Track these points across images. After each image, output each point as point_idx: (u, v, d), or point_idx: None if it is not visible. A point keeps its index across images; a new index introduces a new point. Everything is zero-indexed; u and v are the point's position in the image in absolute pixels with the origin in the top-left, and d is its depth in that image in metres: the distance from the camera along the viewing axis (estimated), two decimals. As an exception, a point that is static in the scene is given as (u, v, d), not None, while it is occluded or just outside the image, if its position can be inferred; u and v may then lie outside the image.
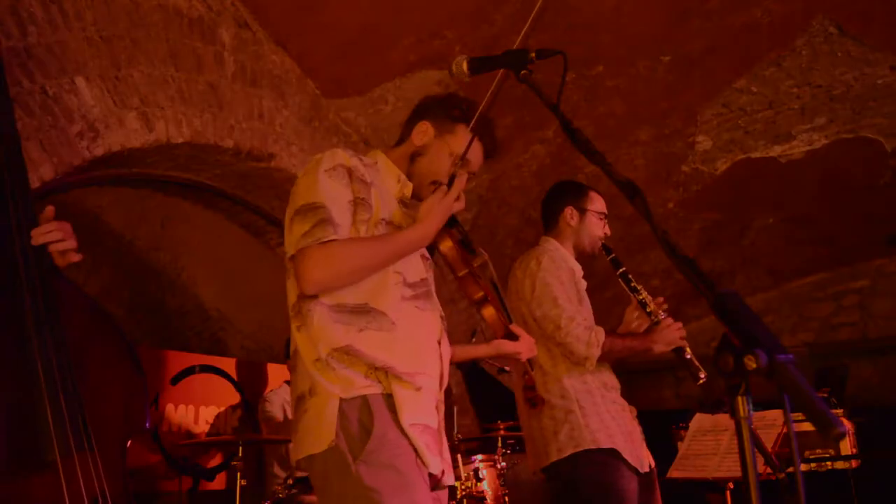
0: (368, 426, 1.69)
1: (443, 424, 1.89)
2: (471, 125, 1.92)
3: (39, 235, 1.79)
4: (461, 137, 1.96)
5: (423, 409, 1.79)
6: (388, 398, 1.74)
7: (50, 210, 1.82)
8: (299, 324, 1.80)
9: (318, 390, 1.74)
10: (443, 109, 2.00)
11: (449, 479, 1.87)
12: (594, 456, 2.57)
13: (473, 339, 2.57)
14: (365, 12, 3.85)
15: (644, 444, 2.77)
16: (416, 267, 1.91)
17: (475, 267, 2.02)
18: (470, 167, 1.97)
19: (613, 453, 2.58)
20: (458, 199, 1.84)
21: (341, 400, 1.71)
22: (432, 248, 2.00)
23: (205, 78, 3.53)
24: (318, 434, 1.71)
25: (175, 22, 3.41)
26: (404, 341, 1.79)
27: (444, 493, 1.91)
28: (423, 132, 1.99)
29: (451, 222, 2.00)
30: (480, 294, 2.02)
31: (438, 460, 1.81)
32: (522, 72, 1.58)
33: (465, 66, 1.75)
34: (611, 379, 2.79)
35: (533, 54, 1.59)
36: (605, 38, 4.27)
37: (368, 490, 1.63)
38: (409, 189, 1.98)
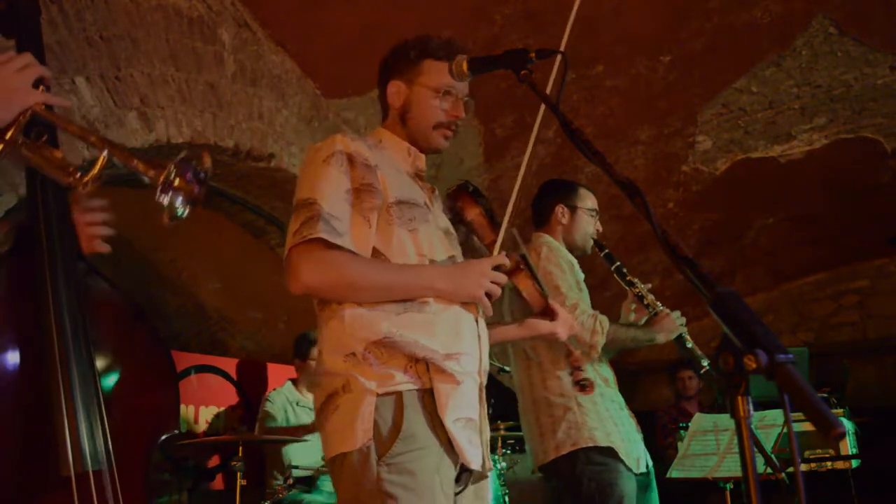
0: (399, 425, 1.62)
1: (485, 412, 1.80)
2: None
3: (83, 212, 1.63)
4: (431, 70, 1.87)
5: (465, 402, 1.72)
6: (426, 395, 1.66)
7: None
8: (329, 316, 1.72)
9: (352, 387, 1.64)
10: (401, 59, 1.91)
11: (488, 466, 1.78)
12: (592, 454, 2.56)
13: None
14: (365, 12, 3.84)
15: (642, 444, 2.76)
16: (441, 245, 1.84)
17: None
18: (456, 90, 1.87)
19: (611, 452, 2.57)
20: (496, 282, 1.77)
21: (377, 396, 1.63)
22: (458, 220, 1.93)
23: (205, 78, 3.52)
24: (351, 431, 1.61)
25: (175, 22, 3.41)
26: (443, 322, 1.72)
27: (486, 482, 1.83)
28: (397, 91, 1.91)
29: (477, 194, 1.96)
30: (511, 265, 1.88)
31: (479, 452, 1.73)
32: (522, 72, 1.57)
33: (465, 65, 1.76)
34: (610, 374, 2.79)
35: (533, 54, 1.59)
36: (605, 38, 4.27)
37: (385, 496, 1.57)
38: (421, 160, 1.92)
